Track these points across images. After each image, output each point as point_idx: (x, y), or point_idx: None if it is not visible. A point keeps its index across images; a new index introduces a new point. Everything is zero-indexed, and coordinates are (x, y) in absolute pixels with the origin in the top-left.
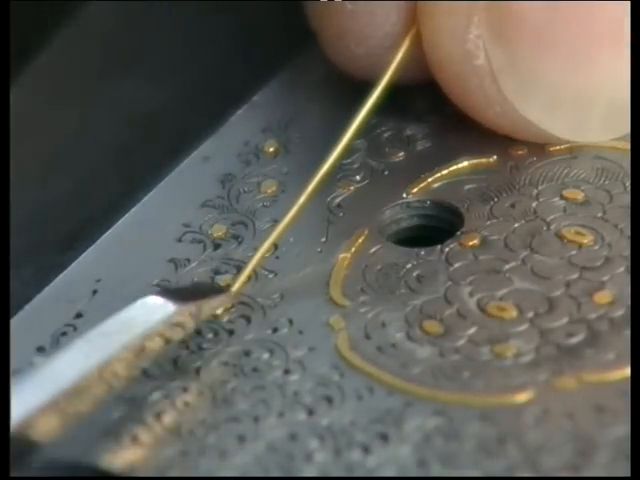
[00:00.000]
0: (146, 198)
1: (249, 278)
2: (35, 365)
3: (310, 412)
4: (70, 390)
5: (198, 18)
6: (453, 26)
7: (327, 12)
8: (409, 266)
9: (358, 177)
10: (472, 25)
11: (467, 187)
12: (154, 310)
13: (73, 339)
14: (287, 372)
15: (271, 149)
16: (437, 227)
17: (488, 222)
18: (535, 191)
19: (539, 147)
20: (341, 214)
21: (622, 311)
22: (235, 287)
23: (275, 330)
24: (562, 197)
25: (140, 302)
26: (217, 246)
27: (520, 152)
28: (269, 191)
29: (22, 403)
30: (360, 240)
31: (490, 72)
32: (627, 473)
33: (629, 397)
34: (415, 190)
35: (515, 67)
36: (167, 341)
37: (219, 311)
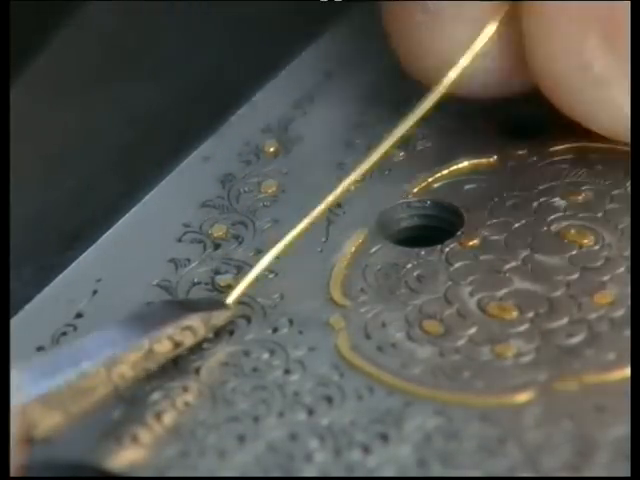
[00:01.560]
0: (146, 198)
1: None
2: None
3: (310, 412)
4: (76, 388)
5: (198, 18)
6: (568, 42)
7: (407, 33)
8: (409, 266)
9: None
10: (588, 39)
11: (467, 187)
12: (165, 312)
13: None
14: (287, 372)
15: (271, 149)
16: (437, 227)
17: (488, 222)
18: (535, 191)
19: (539, 147)
20: (341, 214)
21: (622, 311)
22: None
23: (275, 330)
24: (562, 197)
25: (151, 305)
26: (217, 246)
27: (520, 152)
28: (269, 191)
29: (26, 387)
30: (360, 240)
31: (605, 81)
32: (627, 473)
33: (629, 397)
34: (415, 190)
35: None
36: (176, 345)
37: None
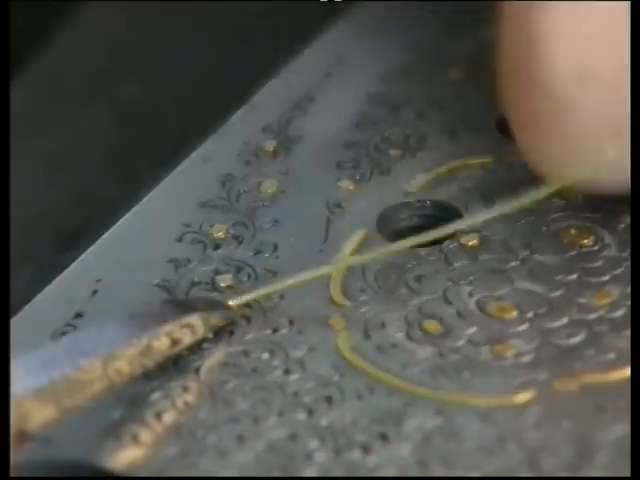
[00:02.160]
0: (146, 198)
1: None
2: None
3: (310, 412)
4: (72, 383)
5: (198, 18)
6: None
7: (528, 121)
8: (409, 266)
9: (358, 177)
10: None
11: (467, 187)
12: (164, 311)
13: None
14: (287, 372)
15: (271, 149)
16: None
17: (488, 222)
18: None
19: None
20: (341, 214)
21: (622, 311)
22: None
23: (275, 330)
24: (562, 197)
25: (151, 304)
26: (217, 246)
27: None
28: (269, 191)
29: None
30: (360, 240)
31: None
32: (627, 473)
33: (629, 397)
34: (415, 190)
35: None
36: (175, 342)
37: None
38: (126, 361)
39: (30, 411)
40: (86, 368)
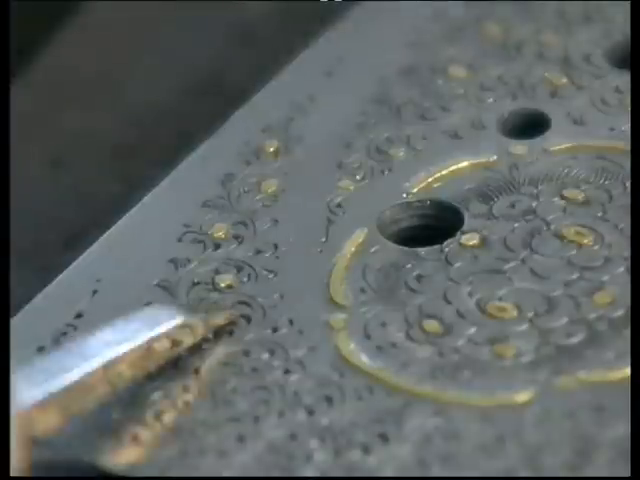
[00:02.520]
0: (146, 198)
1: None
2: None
3: (310, 412)
4: (74, 388)
5: (198, 18)
6: None
7: None
8: (409, 266)
9: (358, 177)
10: None
11: (467, 187)
12: (163, 311)
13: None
14: (287, 372)
15: (271, 149)
16: (437, 227)
17: (488, 222)
18: (535, 191)
19: (539, 147)
20: (341, 214)
21: (622, 311)
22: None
23: (275, 330)
24: (562, 197)
25: (150, 305)
26: (217, 246)
27: (520, 152)
28: (269, 191)
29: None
30: (360, 240)
31: None
32: (627, 473)
33: (629, 397)
34: (415, 190)
35: None
36: (175, 344)
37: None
38: (128, 364)
39: (35, 420)
40: (89, 374)
